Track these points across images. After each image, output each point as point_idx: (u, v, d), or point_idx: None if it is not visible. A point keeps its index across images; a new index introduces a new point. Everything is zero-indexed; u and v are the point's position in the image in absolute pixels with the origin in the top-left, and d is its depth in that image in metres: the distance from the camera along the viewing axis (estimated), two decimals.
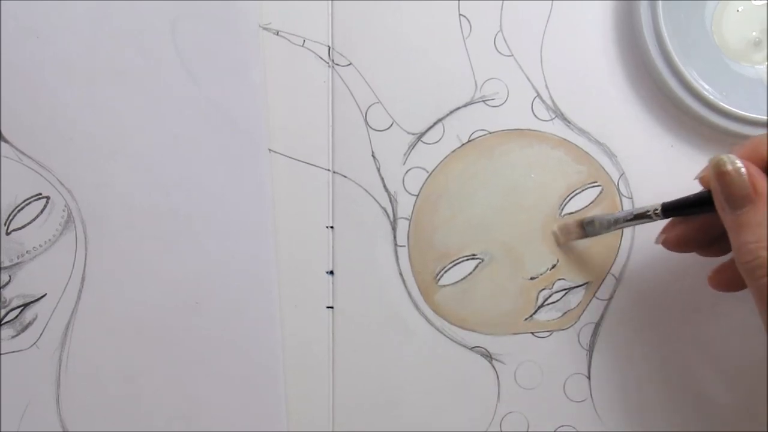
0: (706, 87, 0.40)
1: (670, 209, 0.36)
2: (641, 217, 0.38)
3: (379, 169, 0.41)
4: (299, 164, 0.41)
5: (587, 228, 0.40)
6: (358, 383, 0.41)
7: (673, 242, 0.38)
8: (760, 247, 0.31)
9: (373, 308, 0.41)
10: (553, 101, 0.42)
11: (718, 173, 0.33)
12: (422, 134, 0.41)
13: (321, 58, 0.41)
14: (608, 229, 0.40)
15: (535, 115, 0.42)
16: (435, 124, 0.41)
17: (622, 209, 0.42)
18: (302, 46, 0.41)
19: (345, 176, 0.41)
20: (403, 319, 0.41)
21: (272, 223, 0.41)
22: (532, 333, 0.42)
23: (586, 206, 0.42)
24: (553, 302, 0.42)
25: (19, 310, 0.39)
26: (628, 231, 0.42)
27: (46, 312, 0.39)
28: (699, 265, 0.42)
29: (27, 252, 0.39)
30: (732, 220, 0.33)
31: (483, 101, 0.41)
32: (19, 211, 0.39)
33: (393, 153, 0.41)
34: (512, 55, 0.41)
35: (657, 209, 0.37)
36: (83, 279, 0.39)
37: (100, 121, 0.39)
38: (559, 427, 0.42)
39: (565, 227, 0.41)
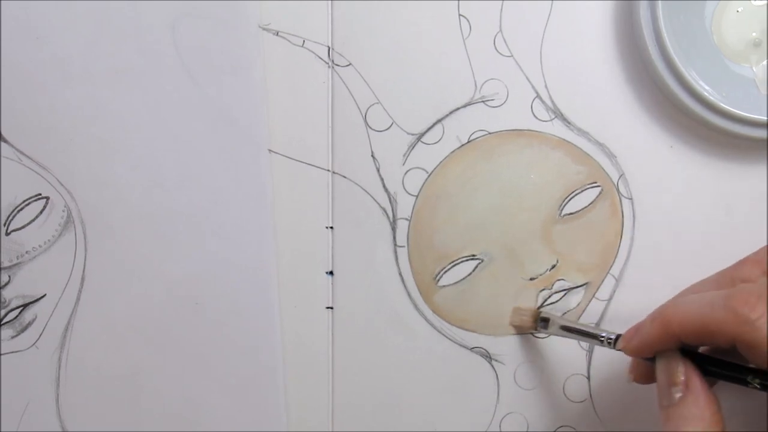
0: (706, 87, 0.40)
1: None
2: (593, 338, 0.38)
3: (378, 170, 0.41)
4: (299, 164, 0.41)
5: (540, 324, 0.40)
6: (357, 383, 0.42)
7: (643, 379, 0.37)
8: None
9: (373, 309, 0.41)
10: (552, 102, 0.42)
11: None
12: (422, 135, 0.41)
13: (321, 59, 0.41)
14: (558, 333, 0.40)
15: (534, 116, 0.42)
16: (435, 124, 0.41)
17: (623, 214, 0.42)
18: (302, 46, 0.41)
19: (345, 176, 0.41)
20: (403, 320, 0.41)
21: (272, 223, 0.41)
22: (532, 333, 0.42)
23: (586, 206, 0.42)
24: (553, 303, 0.42)
25: (18, 310, 0.39)
26: (628, 231, 0.42)
27: (45, 312, 0.39)
28: (699, 266, 0.42)
29: (27, 252, 0.39)
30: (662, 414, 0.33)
31: (483, 102, 0.41)
32: (18, 211, 0.39)
33: (393, 153, 0.41)
34: (512, 56, 0.41)
35: (611, 338, 0.37)
36: (83, 279, 0.39)
37: (100, 121, 0.39)
38: (559, 427, 0.42)
39: (518, 313, 0.41)
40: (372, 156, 0.41)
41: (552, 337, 0.42)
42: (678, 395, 0.32)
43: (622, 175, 0.42)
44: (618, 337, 0.37)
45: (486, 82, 0.41)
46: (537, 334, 0.42)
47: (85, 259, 0.39)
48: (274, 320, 0.41)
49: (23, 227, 0.39)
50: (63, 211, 0.39)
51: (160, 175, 0.40)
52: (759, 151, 0.42)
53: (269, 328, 0.41)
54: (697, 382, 0.32)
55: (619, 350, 0.36)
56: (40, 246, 0.39)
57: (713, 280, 0.36)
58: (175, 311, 0.40)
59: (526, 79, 0.42)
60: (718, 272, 0.37)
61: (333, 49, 0.41)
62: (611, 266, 0.42)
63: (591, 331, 0.38)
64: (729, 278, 0.35)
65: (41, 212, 0.39)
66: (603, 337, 0.37)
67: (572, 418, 0.42)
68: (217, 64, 0.40)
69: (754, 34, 0.41)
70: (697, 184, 0.42)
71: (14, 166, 0.39)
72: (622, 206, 0.42)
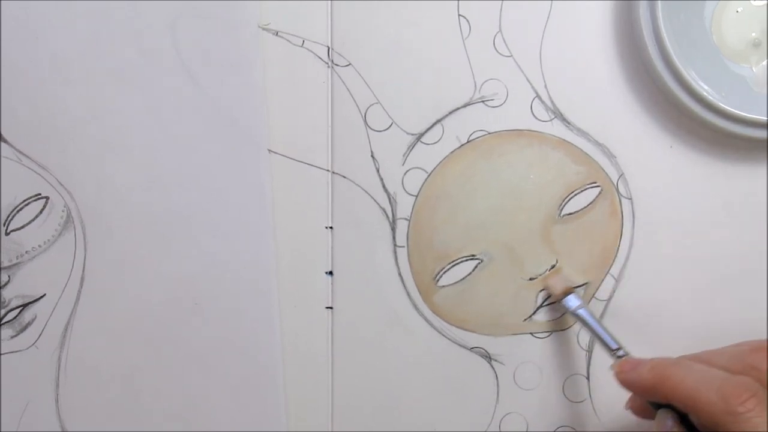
0: (705, 88, 0.40)
1: None
2: (603, 344, 0.38)
3: (378, 170, 0.41)
4: (299, 165, 0.41)
5: (565, 300, 0.40)
6: (357, 383, 0.42)
7: (639, 412, 0.37)
8: None
9: (373, 309, 0.41)
10: (552, 102, 0.42)
11: None
12: (421, 135, 0.41)
13: (320, 59, 0.41)
14: (575, 318, 0.40)
15: (534, 116, 0.42)
16: (434, 124, 0.41)
17: (623, 214, 0.42)
18: (302, 46, 0.41)
19: (344, 177, 0.41)
20: (402, 320, 0.41)
21: (272, 223, 0.41)
22: (531, 333, 0.42)
23: (586, 207, 0.42)
24: (553, 303, 0.42)
25: (18, 310, 0.39)
26: (627, 231, 0.42)
27: (45, 312, 0.39)
28: (698, 266, 0.42)
29: (26, 252, 0.39)
30: None
31: (482, 102, 0.41)
32: (18, 211, 0.39)
33: (392, 153, 0.41)
34: (511, 56, 0.41)
35: (621, 354, 0.37)
36: (82, 279, 0.39)
37: (100, 121, 0.39)
38: (558, 427, 0.42)
39: (554, 285, 0.41)
40: (372, 156, 0.41)
41: (551, 337, 0.42)
42: None
43: (621, 176, 0.42)
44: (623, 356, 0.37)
45: (485, 82, 0.41)
46: (537, 334, 0.42)
47: (84, 259, 0.39)
48: (273, 320, 0.41)
49: (23, 227, 0.39)
50: (62, 211, 0.39)
51: (160, 175, 0.40)
52: (758, 151, 0.42)
53: (269, 328, 0.41)
54: None
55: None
56: (39, 246, 0.39)
57: (727, 357, 0.35)
58: (174, 311, 0.40)
59: (525, 79, 0.42)
60: (735, 346, 0.36)
61: (332, 49, 0.41)
62: (611, 266, 0.42)
63: (604, 338, 0.38)
64: (740, 361, 0.34)
65: (41, 212, 0.39)
66: (614, 351, 0.37)
67: (572, 418, 0.42)
68: (217, 64, 0.40)
69: (753, 34, 0.41)
70: (697, 184, 0.42)
71: (14, 166, 0.39)
72: (621, 206, 0.42)
